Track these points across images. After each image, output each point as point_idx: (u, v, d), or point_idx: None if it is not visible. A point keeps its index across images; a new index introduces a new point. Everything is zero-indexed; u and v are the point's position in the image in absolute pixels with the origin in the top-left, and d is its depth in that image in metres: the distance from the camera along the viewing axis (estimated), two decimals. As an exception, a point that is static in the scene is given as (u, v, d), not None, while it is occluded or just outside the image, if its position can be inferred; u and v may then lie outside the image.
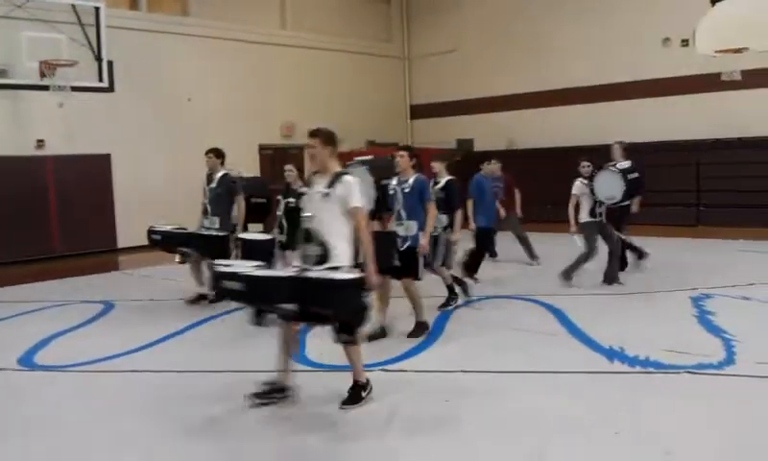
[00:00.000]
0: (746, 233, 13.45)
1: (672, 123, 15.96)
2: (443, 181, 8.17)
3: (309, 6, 19.17)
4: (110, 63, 12.84)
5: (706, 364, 5.79)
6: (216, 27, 16.88)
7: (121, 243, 15.40)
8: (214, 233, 8.59)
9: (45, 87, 12.23)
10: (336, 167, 5.22)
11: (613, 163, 9.45)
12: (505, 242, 11.46)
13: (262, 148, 17.98)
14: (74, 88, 12.37)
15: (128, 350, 6.91)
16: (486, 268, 10.11)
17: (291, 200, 8.22)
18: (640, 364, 5.88)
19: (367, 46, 20.58)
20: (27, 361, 6.74)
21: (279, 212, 8.54)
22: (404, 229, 7.01)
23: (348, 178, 5.12)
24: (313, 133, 5.25)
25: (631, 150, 9.98)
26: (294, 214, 7.47)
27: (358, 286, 4.63)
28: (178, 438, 4.74)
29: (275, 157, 18.34)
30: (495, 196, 10.44)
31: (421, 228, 6.98)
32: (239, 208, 8.81)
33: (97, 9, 12.67)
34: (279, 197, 8.66)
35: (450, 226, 8.00)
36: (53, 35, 12.21)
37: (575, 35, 17.67)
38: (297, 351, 5.52)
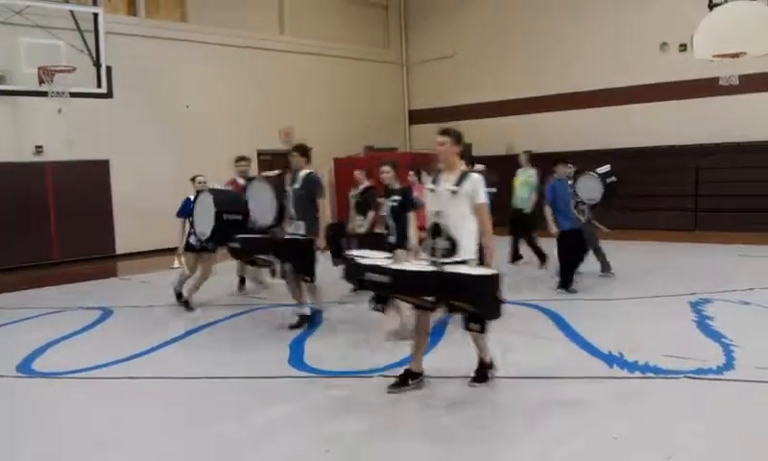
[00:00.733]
0: (745, 238, 13.47)
1: (670, 128, 15.96)
2: (361, 188, 8.71)
3: (308, 12, 19.20)
4: (109, 69, 12.84)
5: (705, 369, 5.79)
6: (214, 33, 16.90)
7: (120, 249, 15.41)
8: (301, 238, 7.70)
9: (44, 93, 12.21)
10: (462, 166, 5.52)
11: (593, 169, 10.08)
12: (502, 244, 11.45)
13: (261, 154, 17.98)
14: (73, 94, 12.36)
15: (126, 356, 6.90)
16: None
17: (396, 198, 7.84)
18: (640, 369, 5.87)
19: (365, 52, 20.60)
20: (25, 368, 6.73)
21: (385, 213, 8.28)
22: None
23: (474, 175, 5.44)
24: (444, 132, 5.51)
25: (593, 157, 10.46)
26: (399, 213, 7.54)
27: (495, 282, 4.93)
28: (176, 444, 4.73)
29: (273, 163, 18.35)
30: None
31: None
32: (322, 212, 7.97)
33: (95, 15, 12.67)
34: (382, 198, 8.43)
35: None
36: (51, 41, 12.20)
37: (573, 40, 17.70)
38: (428, 342, 5.83)
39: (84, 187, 14.78)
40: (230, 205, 8.22)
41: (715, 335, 6.83)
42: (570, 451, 4.37)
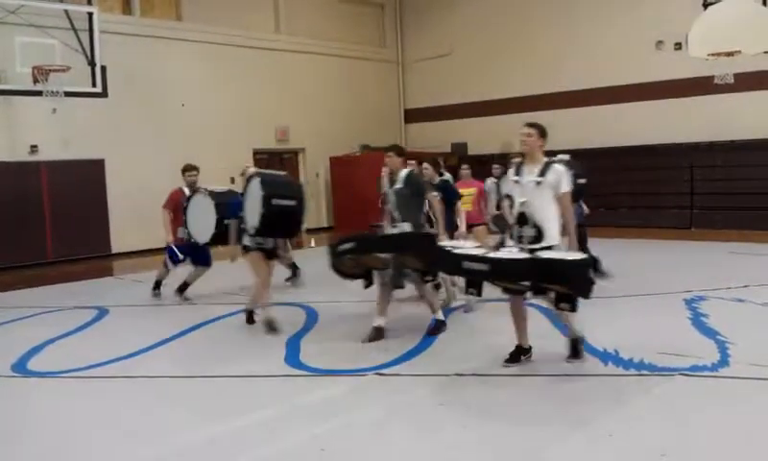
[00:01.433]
0: (740, 236, 13.50)
1: (666, 126, 15.99)
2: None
3: (303, 10, 19.19)
4: (104, 69, 12.82)
5: (700, 366, 5.79)
6: (210, 31, 16.89)
7: (115, 248, 15.39)
8: (423, 232, 7.32)
9: (38, 93, 12.19)
10: (544, 157, 5.90)
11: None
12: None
13: (257, 152, 17.98)
14: (67, 94, 12.34)
15: (122, 355, 6.89)
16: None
17: (435, 194, 7.75)
18: (634, 367, 5.88)
19: (361, 50, 20.60)
20: (20, 367, 6.71)
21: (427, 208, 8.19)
22: None
23: (558, 166, 5.83)
24: (531, 125, 5.94)
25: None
26: (443, 205, 7.69)
27: (588, 265, 5.43)
28: (170, 445, 4.72)
29: (270, 162, 18.36)
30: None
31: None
32: (434, 209, 7.59)
33: (90, 14, 12.64)
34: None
35: None
36: (46, 40, 12.17)
37: (569, 38, 17.72)
38: (525, 319, 6.17)
39: (79, 187, 14.76)
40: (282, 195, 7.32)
41: (710, 332, 6.84)
42: (565, 449, 4.37)
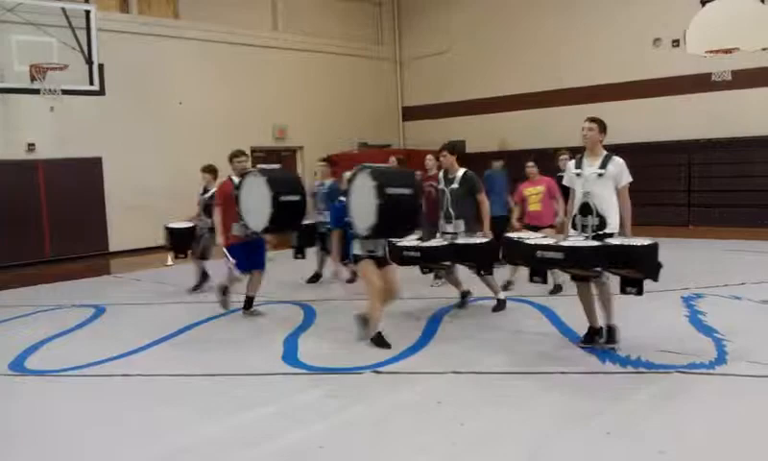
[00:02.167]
0: (737, 233, 13.52)
1: (663, 123, 16.00)
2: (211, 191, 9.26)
3: (301, 8, 19.17)
4: (101, 67, 12.79)
5: (697, 364, 5.80)
6: (207, 29, 16.87)
7: (113, 247, 15.39)
8: (480, 241, 7.59)
9: (36, 91, 12.16)
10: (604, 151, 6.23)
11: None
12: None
13: (254, 150, 17.96)
14: (65, 92, 12.31)
15: (119, 354, 6.88)
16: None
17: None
18: (632, 364, 5.89)
19: (359, 48, 20.58)
20: (17, 366, 6.70)
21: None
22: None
23: (618, 159, 6.18)
24: (592, 119, 6.25)
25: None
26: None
27: (655, 249, 5.69)
28: (168, 443, 4.72)
29: (267, 160, 18.33)
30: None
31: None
32: (483, 207, 7.86)
33: (87, 12, 12.60)
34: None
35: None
36: (43, 38, 12.15)
37: (566, 36, 17.72)
38: (593, 302, 6.43)
39: (77, 185, 14.76)
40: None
41: (707, 330, 6.85)
42: (562, 446, 4.37)
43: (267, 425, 4.91)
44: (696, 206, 15.63)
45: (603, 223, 6.09)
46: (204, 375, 6.17)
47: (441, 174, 8.05)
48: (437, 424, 4.80)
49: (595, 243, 5.86)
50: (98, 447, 4.71)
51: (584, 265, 5.91)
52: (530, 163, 9.76)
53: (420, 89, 21.15)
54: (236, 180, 8.06)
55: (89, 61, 12.67)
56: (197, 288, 9.98)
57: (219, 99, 17.05)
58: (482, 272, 7.73)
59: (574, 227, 6.29)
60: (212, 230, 8.94)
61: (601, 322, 6.41)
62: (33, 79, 12.14)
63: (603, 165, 6.16)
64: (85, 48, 12.63)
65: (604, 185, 6.12)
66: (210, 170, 9.87)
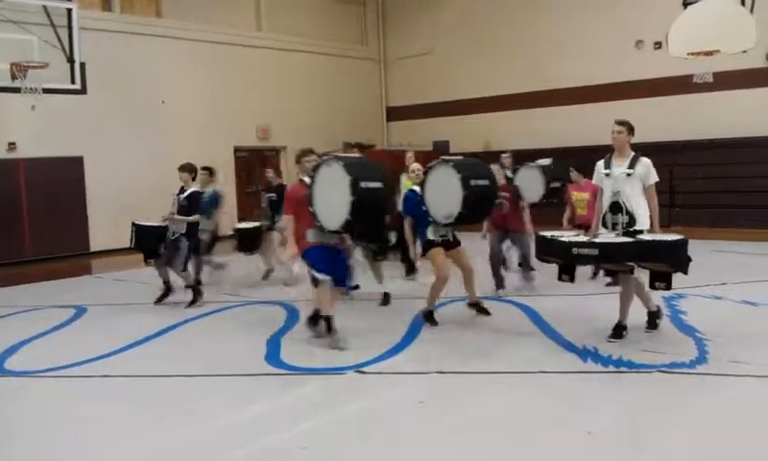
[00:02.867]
0: (719, 234, 13.62)
1: (645, 125, 15.82)
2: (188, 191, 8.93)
3: (284, 8, 19.12)
4: (83, 65, 12.66)
5: (678, 363, 5.84)
6: (190, 28, 16.78)
7: (93, 247, 15.27)
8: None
9: (17, 90, 12.02)
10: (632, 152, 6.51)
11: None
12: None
13: (237, 150, 17.91)
14: (46, 90, 12.16)
15: (100, 354, 6.82)
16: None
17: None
18: (613, 363, 5.92)
19: (343, 48, 20.57)
20: (-3, 367, 6.64)
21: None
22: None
23: (645, 159, 6.48)
24: (621, 122, 6.53)
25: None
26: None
27: (685, 244, 6.05)
28: (147, 445, 4.68)
29: (250, 160, 18.30)
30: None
31: None
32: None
33: (69, 10, 12.48)
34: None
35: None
36: (24, 36, 11.99)
37: (549, 37, 17.80)
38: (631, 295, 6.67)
39: (58, 184, 14.62)
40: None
41: (688, 330, 6.91)
42: (543, 446, 4.39)
43: (250, 426, 4.89)
44: (678, 207, 15.72)
45: (632, 220, 6.37)
46: (187, 376, 6.14)
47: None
48: (419, 425, 4.80)
49: (628, 239, 6.12)
50: (77, 448, 4.67)
51: (617, 260, 6.23)
52: (572, 169, 9.70)
53: (405, 89, 21.17)
54: (308, 181, 6.81)
55: (71, 60, 12.54)
56: (161, 300, 9.22)
57: (202, 98, 16.97)
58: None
59: (604, 225, 6.55)
60: (187, 234, 8.80)
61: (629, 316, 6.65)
62: (14, 77, 11.98)
63: (631, 165, 6.44)
64: (67, 46, 12.49)
65: (632, 185, 6.41)
66: (188, 169, 9.18)
